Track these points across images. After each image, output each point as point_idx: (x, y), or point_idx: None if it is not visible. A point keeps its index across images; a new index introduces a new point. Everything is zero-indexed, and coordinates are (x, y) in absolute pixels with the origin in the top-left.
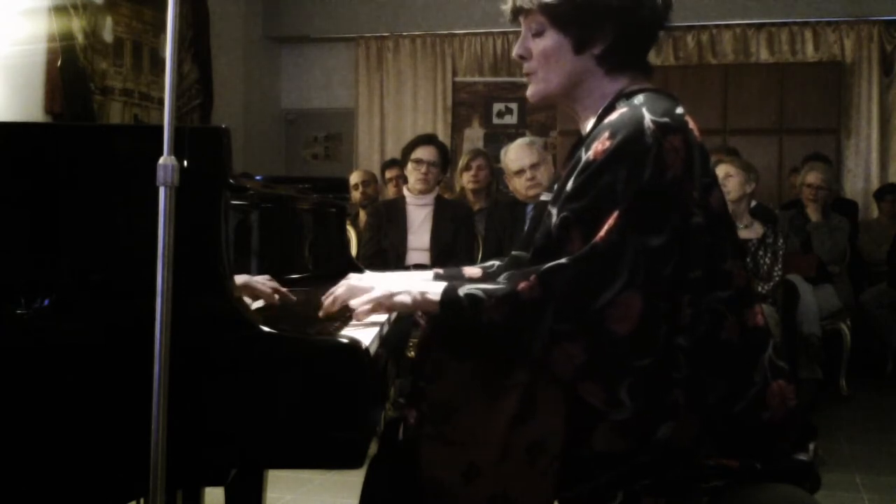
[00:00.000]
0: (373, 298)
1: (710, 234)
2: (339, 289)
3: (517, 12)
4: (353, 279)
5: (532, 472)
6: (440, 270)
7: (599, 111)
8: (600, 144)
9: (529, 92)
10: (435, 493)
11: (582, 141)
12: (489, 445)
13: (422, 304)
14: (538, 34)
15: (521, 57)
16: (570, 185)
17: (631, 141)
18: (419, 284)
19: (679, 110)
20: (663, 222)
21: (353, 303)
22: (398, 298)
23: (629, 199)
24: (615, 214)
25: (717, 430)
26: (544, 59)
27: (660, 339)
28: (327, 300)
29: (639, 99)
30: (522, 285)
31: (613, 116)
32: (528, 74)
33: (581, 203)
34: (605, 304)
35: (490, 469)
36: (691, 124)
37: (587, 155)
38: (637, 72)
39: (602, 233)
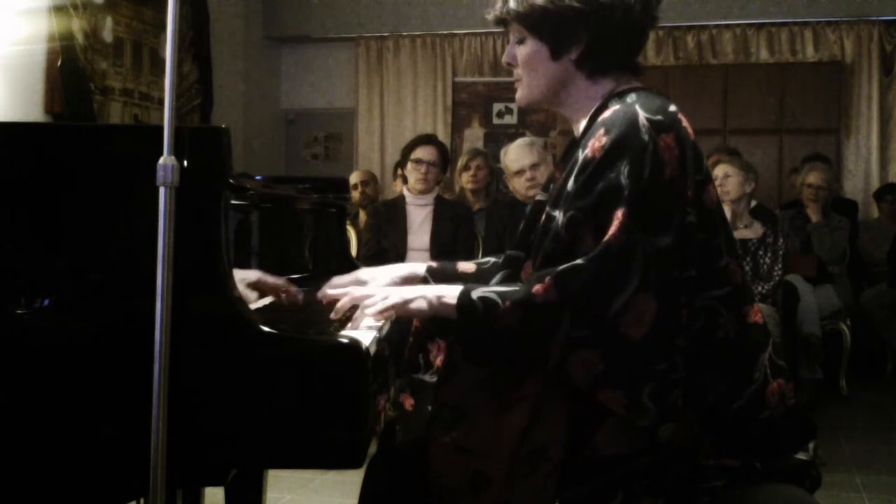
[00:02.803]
0: (388, 305)
1: (704, 232)
2: (355, 291)
3: (499, 22)
4: (364, 274)
5: (534, 478)
6: (433, 263)
7: (590, 113)
8: (596, 142)
9: (517, 97)
10: (441, 497)
11: (576, 142)
12: (499, 457)
13: (439, 308)
14: (520, 42)
15: (509, 64)
16: (571, 185)
17: (627, 137)
18: (434, 289)
19: (672, 108)
20: (668, 221)
21: (369, 310)
22: (414, 305)
23: (634, 196)
24: (623, 212)
25: (717, 429)
26: (527, 65)
27: (671, 341)
28: (343, 301)
29: (631, 97)
30: (537, 288)
31: (607, 114)
32: (516, 81)
33: (587, 201)
34: (619, 309)
35: (500, 480)
36: (684, 122)
37: (584, 153)
38: (622, 73)
39: (614, 230)
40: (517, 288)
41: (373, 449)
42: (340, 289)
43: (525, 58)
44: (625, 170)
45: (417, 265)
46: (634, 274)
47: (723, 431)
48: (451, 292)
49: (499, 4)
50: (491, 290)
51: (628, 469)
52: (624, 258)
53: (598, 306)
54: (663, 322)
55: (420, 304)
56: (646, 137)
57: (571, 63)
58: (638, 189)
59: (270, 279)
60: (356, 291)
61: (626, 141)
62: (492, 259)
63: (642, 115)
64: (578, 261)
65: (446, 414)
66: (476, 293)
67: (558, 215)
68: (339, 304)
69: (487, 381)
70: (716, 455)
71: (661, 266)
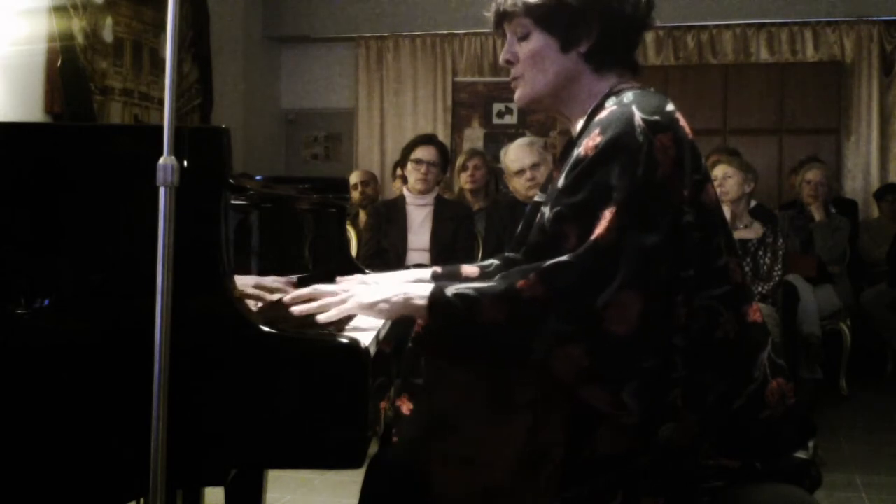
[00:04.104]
0: (344, 310)
1: (702, 231)
2: (312, 304)
3: (502, 17)
4: (370, 279)
5: (536, 479)
6: (438, 269)
7: (589, 111)
8: (591, 141)
9: (517, 96)
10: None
11: (573, 141)
12: (506, 467)
13: (405, 309)
14: (524, 37)
15: (508, 62)
16: (561, 182)
17: (622, 137)
18: (402, 288)
19: (669, 107)
20: (658, 221)
21: (322, 318)
22: (377, 308)
23: (624, 196)
24: (613, 210)
25: (717, 429)
26: (532, 61)
27: (661, 339)
28: (297, 308)
29: (628, 97)
30: (522, 283)
31: (603, 114)
32: (514, 79)
33: (575, 198)
34: (604, 305)
35: (507, 489)
36: (681, 121)
37: (578, 151)
38: (625, 70)
39: (602, 230)
40: (495, 283)
41: (373, 449)
42: (308, 288)
43: (530, 52)
44: (616, 170)
45: (423, 271)
46: (621, 271)
47: (723, 431)
48: (420, 292)
49: None
50: (466, 286)
51: (628, 469)
52: (611, 255)
53: (585, 302)
54: (650, 319)
55: (382, 307)
56: (640, 138)
57: (580, 56)
58: (630, 188)
59: (268, 281)
60: (322, 288)
61: (620, 141)
62: (495, 262)
63: (638, 116)
64: (565, 257)
65: (439, 425)
66: (451, 290)
67: (546, 210)
68: (302, 308)
69: (477, 387)
70: (716, 455)
71: (648, 264)
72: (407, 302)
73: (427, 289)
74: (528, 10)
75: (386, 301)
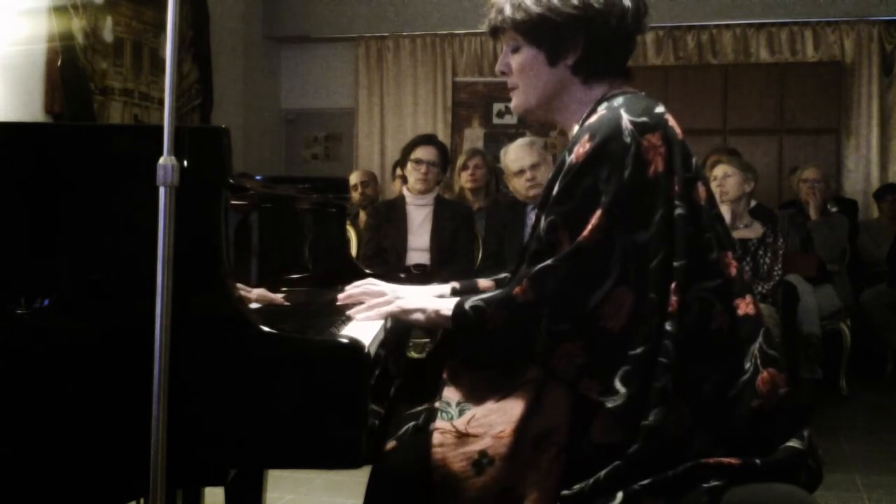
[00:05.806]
0: (388, 312)
1: (693, 227)
2: (357, 293)
3: (494, 31)
4: (377, 288)
5: (540, 465)
6: (457, 284)
7: (582, 118)
8: (581, 147)
9: (513, 105)
10: (444, 483)
11: (567, 147)
12: (502, 436)
13: (436, 320)
14: (515, 50)
15: (503, 72)
16: (555, 190)
17: (609, 141)
18: (435, 302)
19: (658, 109)
20: (649, 218)
21: (368, 314)
22: (414, 316)
23: (612, 198)
24: (599, 213)
25: (709, 419)
26: (522, 73)
27: (650, 327)
28: (343, 296)
29: (618, 101)
30: (517, 289)
31: (593, 119)
32: (511, 89)
33: (566, 206)
34: (598, 302)
35: (502, 461)
36: (671, 122)
37: (570, 158)
38: (616, 78)
39: (586, 232)
40: (500, 292)
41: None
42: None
43: (521, 65)
44: (604, 174)
45: (442, 287)
46: (613, 268)
47: (715, 420)
48: (447, 305)
49: (493, 13)
50: (479, 297)
51: (625, 462)
52: (600, 255)
53: (575, 301)
54: (641, 311)
55: (418, 317)
56: (628, 140)
57: (568, 69)
58: (617, 191)
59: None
60: (373, 289)
61: (607, 145)
62: (506, 274)
63: (626, 119)
64: (549, 261)
65: (451, 409)
66: (468, 303)
67: (542, 218)
68: (350, 291)
69: (488, 381)
70: (710, 446)
71: (639, 261)
72: (438, 313)
73: (453, 302)
74: (515, 26)
75: (422, 311)
